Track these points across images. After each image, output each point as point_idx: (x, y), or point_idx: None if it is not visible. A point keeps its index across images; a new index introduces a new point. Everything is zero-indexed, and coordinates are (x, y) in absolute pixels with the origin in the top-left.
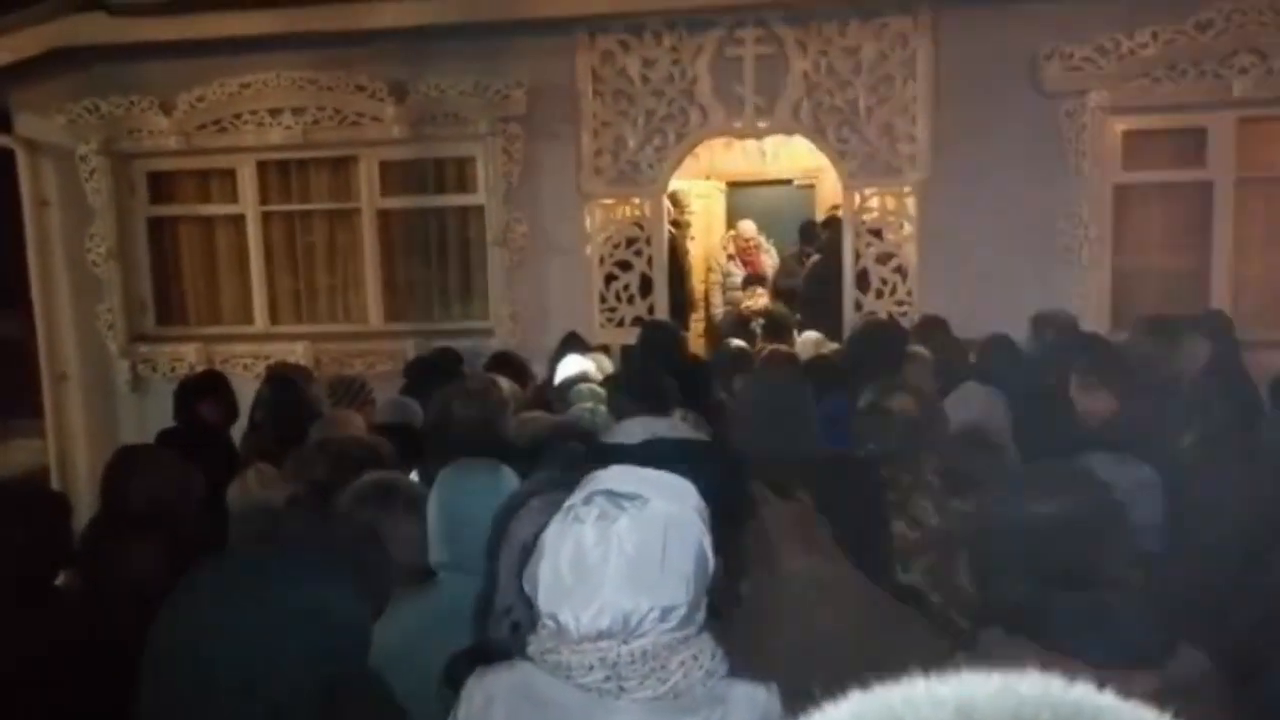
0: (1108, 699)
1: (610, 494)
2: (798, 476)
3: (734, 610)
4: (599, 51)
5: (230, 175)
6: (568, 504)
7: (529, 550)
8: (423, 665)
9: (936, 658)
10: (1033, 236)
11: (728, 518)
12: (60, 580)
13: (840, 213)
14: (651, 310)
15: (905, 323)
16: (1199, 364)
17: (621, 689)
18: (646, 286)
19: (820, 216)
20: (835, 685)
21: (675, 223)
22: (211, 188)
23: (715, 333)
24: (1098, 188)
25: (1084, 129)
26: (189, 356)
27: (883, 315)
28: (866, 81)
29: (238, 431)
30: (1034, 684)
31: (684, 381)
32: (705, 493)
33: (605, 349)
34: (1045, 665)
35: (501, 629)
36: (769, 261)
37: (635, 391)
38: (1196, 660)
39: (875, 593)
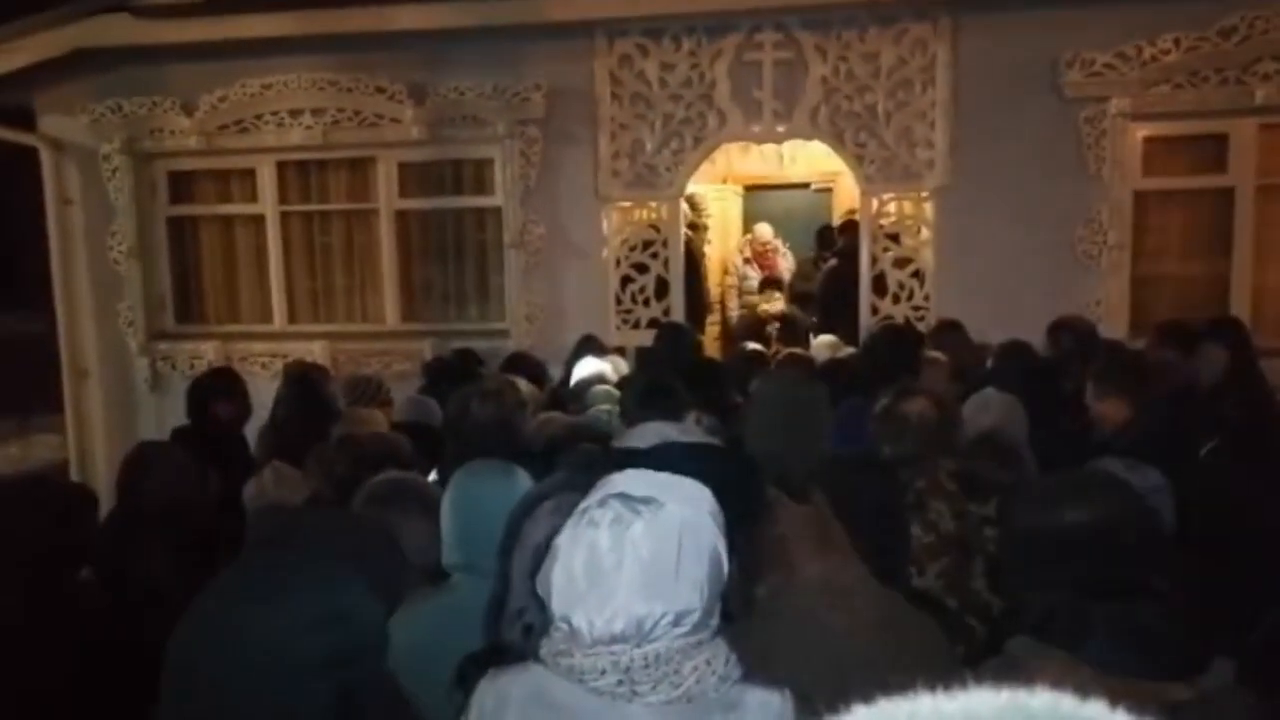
0: (1120, 718)
1: (625, 497)
2: (813, 480)
3: (748, 614)
4: (617, 55)
5: (250, 175)
6: (582, 506)
7: (542, 553)
8: (435, 667)
9: (952, 663)
10: (1051, 242)
11: (742, 521)
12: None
13: (857, 217)
14: (667, 313)
15: (922, 327)
16: (1216, 371)
17: (634, 693)
18: (663, 289)
19: (837, 220)
20: (849, 690)
21: (692, 225)
22: (231, 187)
23: (731, 336)
24: (1117, 194)
25: (1104, 135)
26: (208, 354)
27: (899, 320)
28: (885, 87)
29: (249, 431)
30: (1044, 700)
31: (699, 384)
32: (720, 496)
33: (621, 351)
34: (1077, 676)
35: (514, 631)
36: (785, 265)
37: (649, 394)
38: (1228, 672)
39: (890, 597)
